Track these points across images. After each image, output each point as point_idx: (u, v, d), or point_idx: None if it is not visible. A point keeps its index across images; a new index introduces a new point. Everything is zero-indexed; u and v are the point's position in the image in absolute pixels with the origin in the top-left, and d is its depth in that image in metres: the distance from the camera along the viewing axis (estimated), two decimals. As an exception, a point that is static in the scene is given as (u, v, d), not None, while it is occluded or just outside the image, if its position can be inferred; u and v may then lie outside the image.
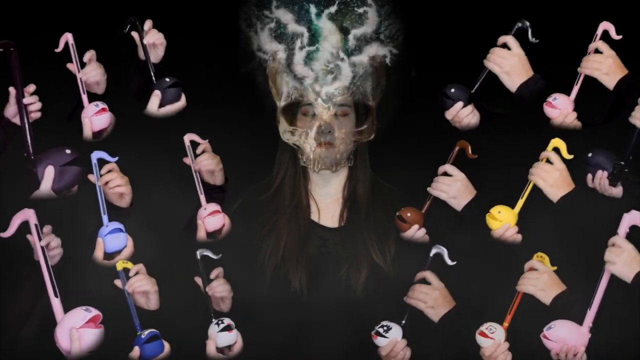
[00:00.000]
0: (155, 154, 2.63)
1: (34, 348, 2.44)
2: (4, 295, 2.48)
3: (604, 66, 2.47)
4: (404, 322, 2.50)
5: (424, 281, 2.55)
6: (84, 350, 2.28)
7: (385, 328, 2.48)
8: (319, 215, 2.68)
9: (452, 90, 2.57)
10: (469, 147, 2.58)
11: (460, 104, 2.56)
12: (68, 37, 2.54)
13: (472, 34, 2.73)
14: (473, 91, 2.58)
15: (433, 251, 2.52)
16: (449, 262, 2.50)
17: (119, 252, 2.45)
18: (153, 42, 2.55)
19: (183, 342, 2.43)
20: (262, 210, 2.66)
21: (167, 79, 2.53)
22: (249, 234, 2.62)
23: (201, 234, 2.54)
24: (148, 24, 2.57)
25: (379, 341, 2.48)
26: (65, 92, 2.56)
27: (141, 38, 2.55)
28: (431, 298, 2.52)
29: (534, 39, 2.54)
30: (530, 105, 2.54)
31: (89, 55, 2.55)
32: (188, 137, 2.61)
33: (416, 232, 2.56)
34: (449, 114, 2.58)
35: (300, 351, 2.57)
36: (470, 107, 2.57)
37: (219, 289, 2.51)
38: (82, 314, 2.31)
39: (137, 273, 2.43)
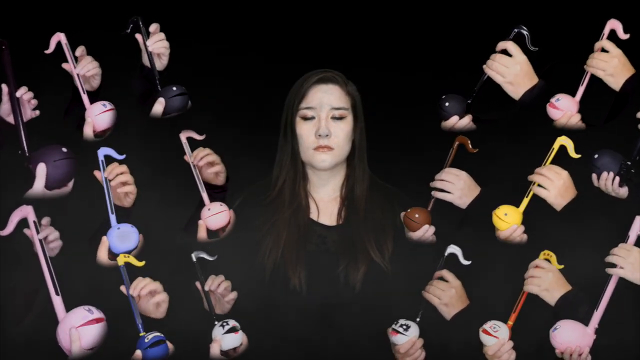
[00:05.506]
0: (154, 154, 2.60)
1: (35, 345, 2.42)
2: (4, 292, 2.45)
3: (609, 66, 2.42)
4: (418, 318, 2.48)
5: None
6: (85, 348, 2.25)
7: (404, 327, 2.46)
8: (318, 213, 2.66)
9: (447, 104, 2.55)
10: (469, 142, 2.55)
11: (455, 118, 2.55)
12: (60, 37, 2.49)
13: (473, 34, 2.73)
14: (470, 100, 2.55)
15: (448, 251, 2.50)
16: (464, 262, 2.49)
17: (128, 253, 2.40)
18: (154, 50, 2.49)
19: (185, 345, 2.41)
20: (262, 210, 2.64)
21: (175, 88, 2.48)
22: (247, 233, 2.60)
23: (201, 234, 2.52)
24: (154, 27, 2.51)
25: (398, 339, 2.47)
26: (62, 93, 2.54)
27: (144, 41, 2.49)
28: (447, 295, 2.51)
29: (532, 47, 2.48)
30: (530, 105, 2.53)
31: (80, 50, 2.50)
32: (184, 134, 2.57)
33: (426, 231, 2.54)
34: (445, 127, 2.57)
35: (299, 349, 2.56)
36: (467, 119, 2.55)
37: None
38: (82, 314, 2.27)
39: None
